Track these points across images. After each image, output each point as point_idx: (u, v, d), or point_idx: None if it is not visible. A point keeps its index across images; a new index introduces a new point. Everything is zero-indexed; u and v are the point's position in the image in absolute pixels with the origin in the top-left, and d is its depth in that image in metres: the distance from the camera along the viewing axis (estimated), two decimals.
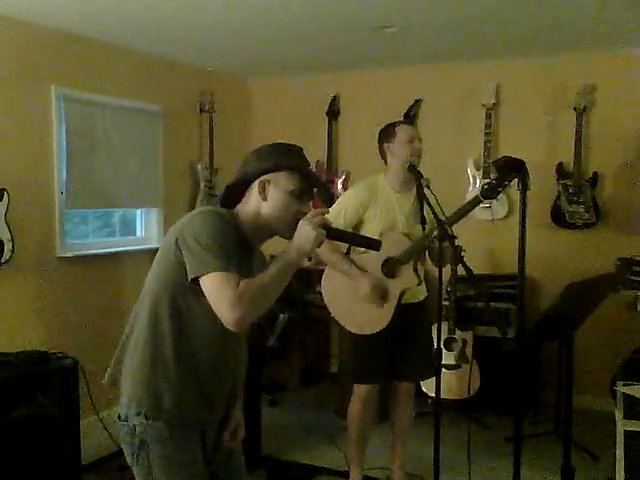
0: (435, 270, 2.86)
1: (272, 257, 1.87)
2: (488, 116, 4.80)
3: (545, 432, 4.10)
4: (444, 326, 3.96)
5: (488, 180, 3.11)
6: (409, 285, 3.20)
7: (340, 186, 5.33)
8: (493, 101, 4.81)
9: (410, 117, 5.01)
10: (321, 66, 5.18)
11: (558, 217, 4.63)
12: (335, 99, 5.38)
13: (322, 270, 3.43)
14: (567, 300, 2.66)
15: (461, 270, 2.61)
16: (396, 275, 3.19)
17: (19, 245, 3.67)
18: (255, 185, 1.91)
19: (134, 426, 1.84)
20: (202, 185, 5.04)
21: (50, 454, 3.19)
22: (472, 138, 4.88)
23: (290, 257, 1.81)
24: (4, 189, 3.58)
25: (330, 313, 3.35)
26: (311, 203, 1.99)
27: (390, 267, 3.19)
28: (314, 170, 2.29)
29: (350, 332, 3.30)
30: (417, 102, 5.08)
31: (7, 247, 3.58)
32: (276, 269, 1.79)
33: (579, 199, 4.56)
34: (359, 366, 3.33)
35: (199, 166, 5.05)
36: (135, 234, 4.88)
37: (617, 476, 1.83)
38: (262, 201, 1.90)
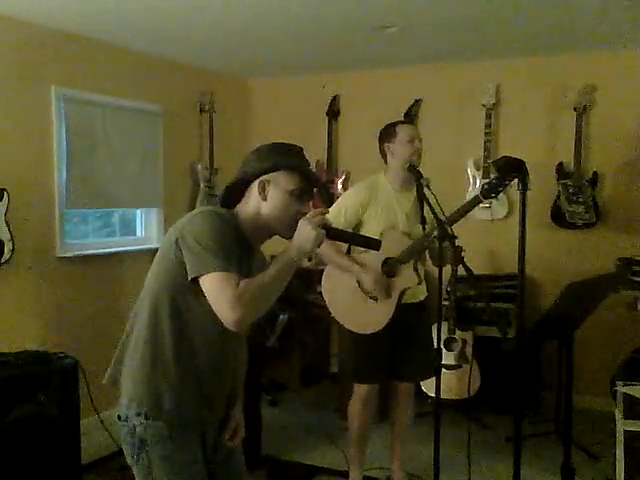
0: (435, 270, 2.86)
1: (272, 257, 1.87)
2: (488, 116, 4.80)
3: (545, 432, 4.09)
4: (444, 326, 3.97)
5: (488, 180, 3.11)
6: (409, 284, 3.20)
7: (340, 186, 5.33)
8: (493, 101, 4.81)
9: (410, 117, 5.01)
10: (321, 66, 5.18)
11: (558, 217, 4.63)
12: (335, 99, 5.38)
13: (322, 270, 3.43)
14: (567, 300, 2.67)
15: (461, 270, 2.61)
16: (396, 274, 3.19)
17: (19, 245, 3.67)
18: (255, 185, 1.91)
19: (134, 426, 1.83)
20: (202, 185, 5.03)
21: (50, 454, 3.18)
22: (472, 138, 4.88)
23: (290, 257, 1.81)
24: (4, 189, 3.58)
25: (330, 313, 3.36)
26: (311, 203, 1.99)
27: (390, 266, 3.19)
28: (314, 170, 2.29)
29: (350, 332, 3.30)
30: (417, 102, 5.08)
31: (7, 247, 3.58)
32: (276, 269, 1.79)
33: (579, 199, 4.56)
34: (359, 366, 3.33)
35: (199, 166, 5.05)
36: (135, 234, 4.88)
37: (617, 476, 1.83)
38: (262, 201, 1.90)
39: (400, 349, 3.31)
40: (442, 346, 2.92)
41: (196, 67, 5.06)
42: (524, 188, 2.41)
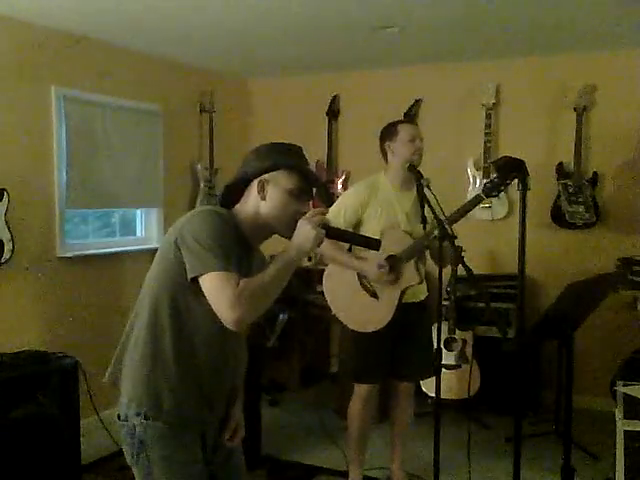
0: (435, 270, 2.86)
1: (272, 257, 1.87)
2: (488, 116, 4.80)
3: (545, 432, 4.09)
4: (444, 326, 3.98)
5: (490, 178, 3.11)
6: (411, 283, 3.20)
7: (340, 186, 5.33)
8: (493, 101, 4.81)
9: (410, 117, 5.01)
10: (321, 66, 5.18)
11: (558, 217, 4.63)
12: (335, 99, 5.38)
13: (322, 270, 3.43)
14: (567, 300, 2.66)
15: (461, 270, 2.61)
16: (398, 273, 3.19)
17: (19, 245, 3.67)
18: (254, 184, 1.91)
19: (134, 426, 1.83)
20: (202, 185, 5.04)
21: (50, 454, 3.19)
22: (472, 138, 4.88)
23: (290, 256, 1.81)
24: (4, 189, 3.58)
25: (331, 312, 3.36)
26: (311, 203, 1.99)
27: (392, 265, 3.19)
28: (313, 170, 2.29)
29: (350, 331, 3.30)
30: (417, 102, 5.09)
31: (7, 247, 3.58)
32: (276, 268, 1.79)
33: (579, 199, 4.56)
34: (359, 365, 3.33)
35: (199, 166, 5.05)
36: (135, 234, 4.88)
37: (617, 476, 1.83)
38: (261, 200, 1.90)
39: (400, 349, 3.31)
40: (442, 346, 2.92)
41: (196, 67, 5.06)
42: (524, 188, 2.41)
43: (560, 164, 4.65)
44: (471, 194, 4.72)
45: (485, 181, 4.41)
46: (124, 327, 1.94)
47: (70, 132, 4.05)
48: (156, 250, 1.92)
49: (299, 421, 4.53)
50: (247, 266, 1.86)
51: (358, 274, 3.25)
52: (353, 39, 4.31)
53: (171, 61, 4.83)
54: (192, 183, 5.08)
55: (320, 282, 3.41)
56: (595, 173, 4.58)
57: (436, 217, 2.77)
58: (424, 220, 3.04)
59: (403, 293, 3.20)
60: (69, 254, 4.08)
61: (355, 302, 3.24)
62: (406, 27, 4.00)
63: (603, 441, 3.68)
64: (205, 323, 1.82)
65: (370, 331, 3.20)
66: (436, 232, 2.76)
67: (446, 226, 2.71)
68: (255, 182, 1.90)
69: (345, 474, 3.53)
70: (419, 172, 3.08)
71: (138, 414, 1.83)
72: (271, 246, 2.12)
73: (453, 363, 4.09)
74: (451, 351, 4.12)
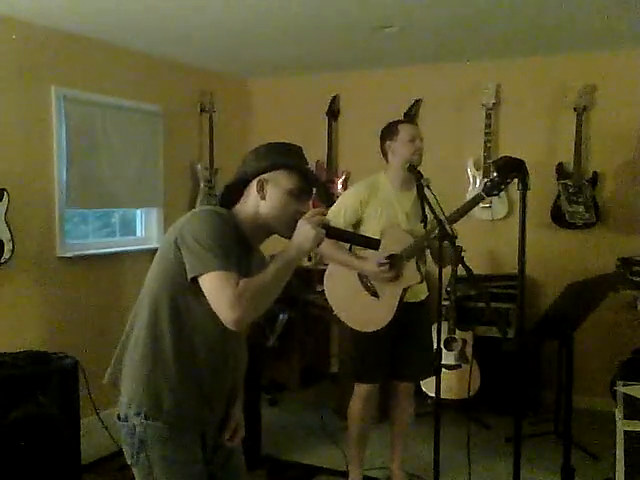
0: (435, 270, 2.87)
1: (272, 257, 1.87)
2: (488, 116, 4.80)
3: (545, 432, 4.10)
4: (444, 326, 3.98)
5: (490, 177, 3.11)
6: (412, 282, 3.20)
7: (340, 186, 5.33)
8: (493, 101, 4.81)
9: (410, 117, 5.01)
10: (321, 66, 5.18)
11: (558, 217, 4.63)
12: (335, 99, 5.38)
13: (322, 270, 3.43)
14: (567, 300, 2.66)
15: (461, 270, 2.61)
16: (399, 272, 3.19)
17: (19, 245, 3.67)
18: (254, 184, 1.91)
19: (134, 426, 1.83)
20: (202, 185, 5.04)
21: (50, 454, 3.18)
22: (472, 138, 4.88)
23: (289, 256, 1.81)
24: (4, 189, 3.58)
25: (332, 312, 3.36)
26: (311, 203, 1.99)
27: (393, 264, 3.19)
28: (313, 170, 2.29)
29: (351, 331, 3.30)
30: (417, 102, 5.08)
31: (7, 247, 3.58)
32: (275, 268, 1.79)
33: (579, 199, 4.56)
34: (360, 365, 3.33)
35: (199, 166, 5.05)
36: (135, 234, 4.88)
37: (617, 476, 1.83)
38: (260, 200, 1.90)
39: (400, 349, 3.31)
40: (442, 346, 2.92)
41: (196, 67, 5.06)
42: (524, 188, 2.41)
43: (560, 164, 4.65)
44: (471, 194, 4.72)
45: (485, 180, 4.41)
46: (124, 327, 1.94)
47: (70, 132, 4.05)
48: (156, 250, 1.92)
49: (299, 421, 4.53)
50: (247, 266, 1.86)
51: (359, 274, 3.25)
52: (353, 39, 4.31)
53: (171, 61, 4.83)
54: (192, 183, 5.08)
55: (320, 282, 3.41)
56: (595, 173, 4.58)
57: (436, 217, 2.77)
58: (425, 219, 3.04)
59: (404, 292, 3.20)
60: (69, 254, 4.08)
61: (356, 302, 3.24)
62: (406, 27, 4.00)
63: (603, 441, 3.68)
64: (205, 323, 1.82)
65: (371, 331, 3.20)
66: (436, 232, 2.76)
67: (446, 226, 2.71)
68: (254, 182, 1.90)
69: (345, 474, 3.53)
70: (419, 172, 3.09)
71: (138, 414, 1.83)
72: (271, 246, 2.12)
73: (453, 363, 4.10)
74: (451, 351, 4.13)
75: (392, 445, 3.55)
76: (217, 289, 1.72)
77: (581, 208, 4.55)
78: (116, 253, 4.48)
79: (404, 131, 3.23)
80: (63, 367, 3.33)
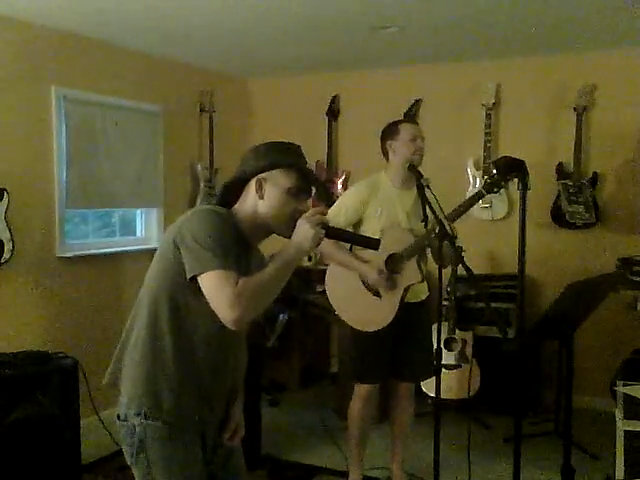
0: (436, 270, 2.86)
1: (271, 257, 1.87)
2: (488, 116, 4.80)
3: (545, 432, 4.09)
4: (444, 326, 3.98)
5: (490, 175, 3.11)
6: (413, 281, 3.19)
7: (340, 186, 5.33)
8: (493, 101, 4.81)
9: (410, 117, 5.01)
10: (321, 66, 5.19)
11: (558, 217, 4.63)
12: (335, 99, 5.38)
13: (322, 270, 3.43)
14: (567, 300, 2.66)
15: (461, 270, 2.61)
16: (400, 271, 3.19)
17: (19, 245, 3.67)
18: (252, 183, 1.90)
19: (134, 426, 1.83)
20: (202, 185, 5.04)
21: (50, 454, 3.18)
22: (472, 138, 4.88)
23: (289, 255, 1.81)
24: (4, 189, 3.58)
25: (332, 311, 3.36)
26: (310, 203, 1.99)
27: (394, 263, 3.19)
28: (312, 169, 2.29)
29: (351, 331, 3.30)
30: (417, 102, 5.08)
31: (7, 247, 3.58)
32: (275, 267, 1.79)
33: (579, 199, 4.56)
34: (360, 365, 3.33)
35: (199, 166, 5.05)
36: (135, 234, 4.88)
37: (617, 476, 1.83)
38: (259, 199, 1.89)
39: (401, 349, 3.30)
40: (442, 346, 2.92)
41: (196, 67, 5.06)
42: (524, 188, 2.41)
43: (560, 164, 4.65)
44: (471, 194, 4.71)
45: (485, 177, 4.41)
46: (124, 327, 1.94)
47: (70, 132, 4.05)
48: (156, 250, 1.92)
49: (299, 421, 4.53)
50: (246, 265, 1.86)
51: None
52: (353, 39, 4.31)
53: (171, 61, 4.83)
54: (192, 183, 5.08)
55: (320, 282, 3.41)
56: (595, 173, 4.58)
57: (436, 217, 2.77)
58: (425, 219, 3.04)
59: (405, 291, 3.20)
60: (69, 254, 4.08)
61: (357, 301, 3.24)
62: (406, 27, 4.00)
63: (603, 441, 3.68)
64: (205, 322, 1.82)
65: (373, 330, 3.20)
66: (436, 231, 2.76)
67: (446, 226, 2.71)
68: (253, 181, 1.90)
69: (345, 474, 3.53)
70: (419, 172, 3.09)
71: (138, 414, 1.83)
72: (270, 246, 2.12)
73: (453, 363, 4.10)
74: (451, 351, 4.13)
75: (392, 445, 3.55)
76: (216, 288, 1.72)
77: (581, 208, 4.55)
78: (116, 253, 4.48)
79: (405, 130, 3.24)
80: (63, 367, 3.33)
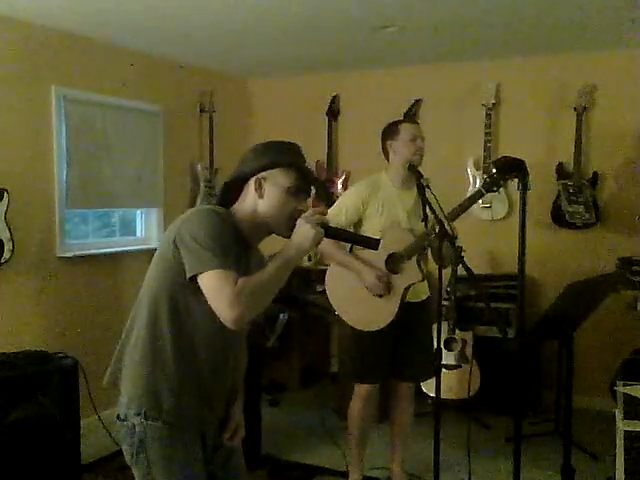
0: (436, 270, 2.87)
1: (271, 256, 1.87)
2: (488, 116, 4.80)
3: (545, 432, 4.09)
4: (444, 326, 3.98)
5: (490, 173, 3.12)
6: (414, 281, 3.19)
7: (340, 186, 5.33)
8: (493, 101, 4.81)
9: (410, 117, 5.01)
10: (321, 66, 5.19)
11: (558, 217, 4.63)
12: (335, 99, 5.38)
13: (322, 270, 3.43)
14: (567, 300, 2.66)
15: (461, 270, 2.62)
16: (400, 271, 3.19)
17: (19, 245, 3.67)
18: (252, 183, 1.90)
19: (134, 426, 1.83)
20: (202, 185, 5.04)
21: (50, 454, 3.18)
22: (472, 138, 4.88)
23: (289, 255, 1.81)
24: (4, 189, 3.58)
25: (332, 311, 3.36)
26: (310, 202, 1.99)
27: (394, 263, 3.19)
28: (312, 168, 2.29)
29: (351, 331, 3.30)
30: (417, 102, 5.08)
31: (7, 247, 3.58)
32: (275, 267, 1.79)
33: (579, 199, 4.56)
34: (360, 365, 3.33)
35: (199, 166, 5.05)
36: (135, 234, 4.88)
37: (617, 476, 1.83)
38: (259, 199, 1.89)
39: (401, 349, 3.31)
40: (442, 346, 2.92)
41: (196, 67, 5.06)
42: (524, 188, 2.41)
43: (560, 164, 4.65)
44: (471, 194, 4.72)
45: (485, 176, 4.41)
46: (124, 327, 1.94)
47: (70, 132, 4.05)
48: (156, 250, 1.92)
49: (299, 421, 4.53)
50: (245, 265, 1.86)
51: None
52: (353, 39, 4.31)
53: (171, 61, 4.83)
54: (192, 183, 5.08)
55: (320, 282, 3.41)
56: (595, 173, 4.58)
57: (436, 218, 2.77)
58: (425, 218, 3.04)
59: (406, 291, 3.20)
60: (69, 254, 4.08)
61: (358, 301, 3.24)
62: (406, 27, 4.00)
63: (603, 441, 3.68)
64: (204, 322, 1.82)
65: (374, 330, 3.20)
66: (436, 231, 2.76)
67: (446, 226, 2.71)
68: (253, 180, 1.90)
69: (345, 474, 3.52)
70: (419, 172, 3.09)
71: (138, 414, 1.83)
72: (270, 245, 2.12)
73: (453, 363, 4.10)
74: (451, 351, 4.13)
75: (392, 445, 3.55)
76: (216, 288, 1.72)
77: (581, 208, 4.55)
78: (116, 253, 4.48)
79: (405, 130, 3.24)
80: (63, 367, 3.33)
